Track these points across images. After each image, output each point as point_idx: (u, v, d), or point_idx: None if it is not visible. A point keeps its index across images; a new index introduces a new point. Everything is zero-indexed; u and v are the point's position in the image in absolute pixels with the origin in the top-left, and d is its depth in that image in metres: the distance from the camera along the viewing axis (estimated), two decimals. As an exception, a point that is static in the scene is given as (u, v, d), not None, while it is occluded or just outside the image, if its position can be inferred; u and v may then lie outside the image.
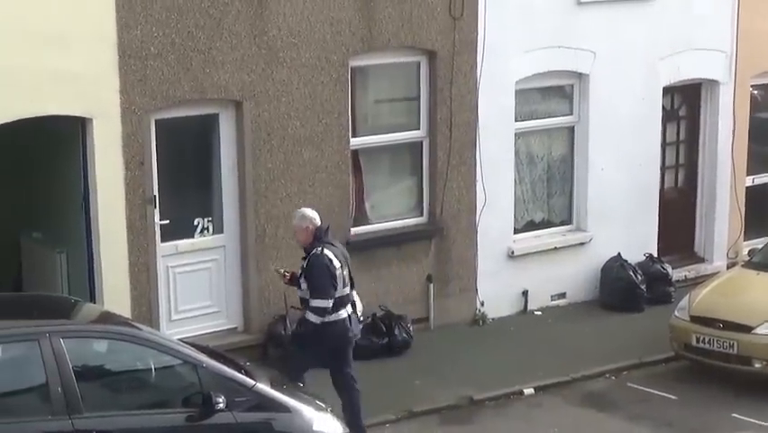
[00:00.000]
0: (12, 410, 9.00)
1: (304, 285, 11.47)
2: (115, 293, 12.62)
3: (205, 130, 13.41)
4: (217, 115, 13.34)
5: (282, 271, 11.90)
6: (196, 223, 13.43)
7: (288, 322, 13.59)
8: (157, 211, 12.99)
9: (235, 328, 13.84)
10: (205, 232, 13.50)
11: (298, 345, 11.69)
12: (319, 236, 11.53)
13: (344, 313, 11.55)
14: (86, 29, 12.10)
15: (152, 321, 12.78)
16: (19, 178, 13.25)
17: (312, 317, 11.39)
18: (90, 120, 12.35)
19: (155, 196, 12.91)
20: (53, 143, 12.87)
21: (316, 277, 11.33)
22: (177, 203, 13.20)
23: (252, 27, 13.11)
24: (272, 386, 9.96)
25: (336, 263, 11.42)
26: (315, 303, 11.35)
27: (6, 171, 12.30)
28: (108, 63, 12.31)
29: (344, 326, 11.56)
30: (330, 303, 11.35)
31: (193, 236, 13.45)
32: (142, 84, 12.54)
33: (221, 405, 9.30)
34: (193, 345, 10.20)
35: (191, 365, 9.59)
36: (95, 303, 12.27)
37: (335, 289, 11.38)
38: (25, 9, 11.74)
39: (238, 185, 13.51)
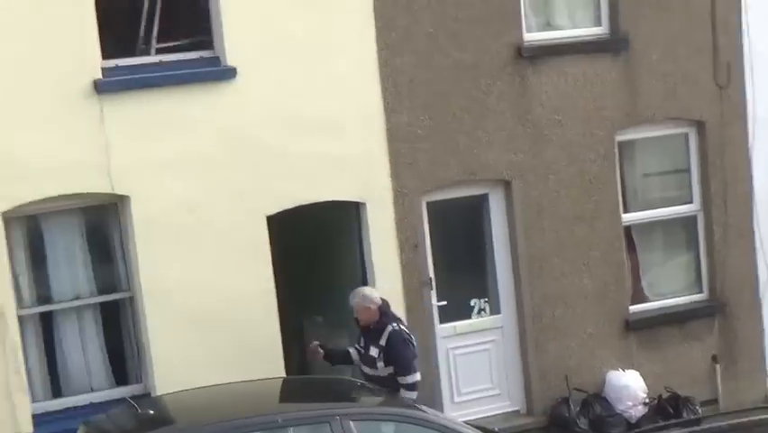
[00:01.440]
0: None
1: (381, 364, 11.31)
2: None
3: (475, 210, 13.59)
4: (486, 195, 13.52)
5: (317, 345, 11.84)
6: (472, 304, 13.55)
7: (570, 404, 13.45)
8: (434, 293, 13.19)
9: (518, 411, 13.76)
10: (482, 313, 13.59)
11: None
12: (386, 312, 11.47)
13: (416, 393, 11.45)
14: (356, 115, 12.56)
15: (435, 403, 12.81)
16: (300, 263, 13.73)
17: (412, 395, 11.23)
18: (364, 204, 12.74)
19: (431, 278, 13.14)
20: (330, 228, 13.33)
21: (402, 352, 11.23)
22: (452, 284, 13.38)
23: (516, 106, 13.31)
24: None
25: (412, 337, 11.43)
26: (409, 379, 11.25)
27: (287, 257, 12.75)
28: (378, 148, 12.72)
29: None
30: (419, 376, 11.34)
31: (470, 317, 13.56)
32: (412, 167, 12.87)
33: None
34: (478, 427, 10.19)
35: (477, 448, 9.57)
36: (380, 386, 12.47)
37: None
38: (300, 98, 12.30)
39: (512, 265, 13.59)
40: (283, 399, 10.50)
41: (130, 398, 10.12)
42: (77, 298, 11.96)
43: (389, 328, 11.26)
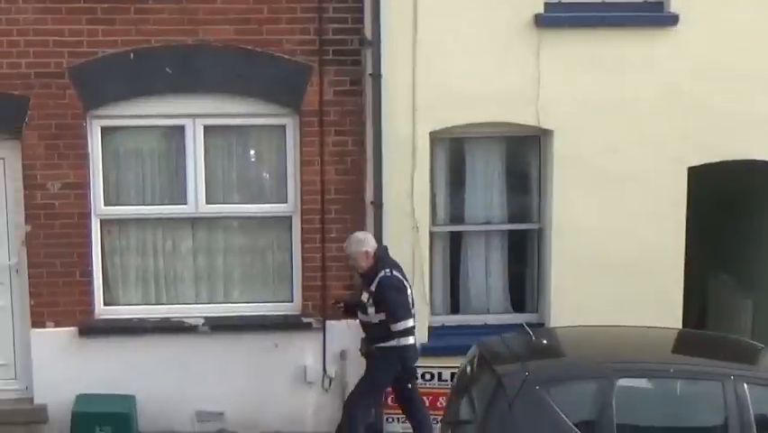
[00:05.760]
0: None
1: (371, 310, 10.74)
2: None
3: None
4: None
5: (337, 301, 11.25)
6: None
7: None
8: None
9: None
10: None
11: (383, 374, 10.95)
12: (382, 257, 10.80)
13: (412, 338, 10.86)
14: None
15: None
16: (713, 218, 13.43)
17: (408, 340, 10.75)
18: (788, 169, 12.27)
19: None
20: (751, 187, 12.92)
21: (389, 298, 10.64)
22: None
23: None
24: None
25: (407, 284, 10.85)
26: (401, 325, 10.69)
27: (701, 211, 12.47)
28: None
29: (415, 349, 10.92)
30: (413, 322, 10.78)
31: None
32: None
33: None
34: None
35: None
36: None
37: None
38: (737, 51, 11.87)
39: None
40: (676, 350, 10.31)
41: (526, 324, 10.23)
42: (488, 222, 12.23)
43: (381, 274, 10.74)
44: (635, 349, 10.00)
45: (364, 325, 10.95)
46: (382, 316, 10.75)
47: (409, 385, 11.07)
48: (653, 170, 11.91)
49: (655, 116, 11.83)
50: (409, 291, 10.90)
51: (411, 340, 10.77)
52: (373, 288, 10.77)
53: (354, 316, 11.10)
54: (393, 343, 10.70)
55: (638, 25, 11.71)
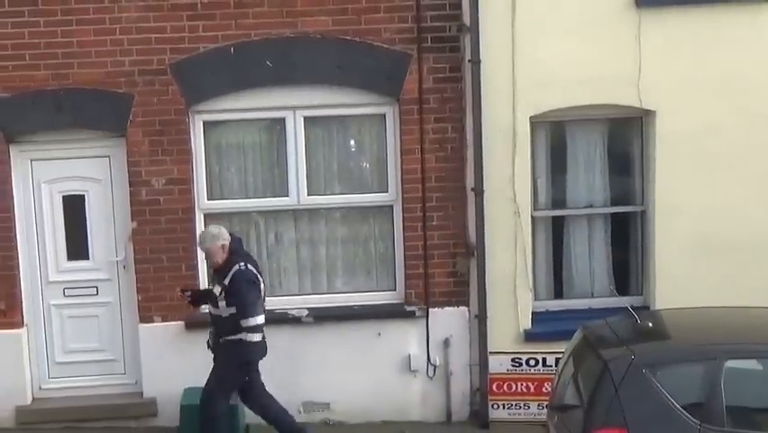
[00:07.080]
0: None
1: (222, 303, 10.53)
2: None
3: None
4: None
5: (184, 291, 11.02)
6: None
7: None
8: None
9: None
10: None
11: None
12: (236, 250, 10.59)
13: (259, 335, 10.66)
14: None
15: None
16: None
17: (255, 337, 10.52)
18: None
19: None
20: None
21: (246, 294, 10.47)
22: None
23: None
24: None
25: (260, 278, 10.74)
26: (252, 321, 10.47)
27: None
28: None
29: (262, 346, 10.71)
30: (263, 318, 10.58)
31: None
32: None
33: None
34: None
35: None
36: None
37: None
38: None
39: None
40: (784, 329, 10.13)
41: (631, 307, 10.15)
42: (590, 206, 12.14)
43: (235, 268, 10.55)
44: (742, 330, 9.79)
45: (213, 318, 10.82)
46: (233, 310, 10.57)
47: (246, 378, 10.87)
48: (758, 149, 11.73)
49: (760, 94, 11.65)
50: (262, 286, 10.79)
51: (258, 337, 10.59)
52: (227, 282, 10.60)
53: (199, 306, 11.11)
54: (241, 336, 10.53)
55: (740, 1, 11.51)
